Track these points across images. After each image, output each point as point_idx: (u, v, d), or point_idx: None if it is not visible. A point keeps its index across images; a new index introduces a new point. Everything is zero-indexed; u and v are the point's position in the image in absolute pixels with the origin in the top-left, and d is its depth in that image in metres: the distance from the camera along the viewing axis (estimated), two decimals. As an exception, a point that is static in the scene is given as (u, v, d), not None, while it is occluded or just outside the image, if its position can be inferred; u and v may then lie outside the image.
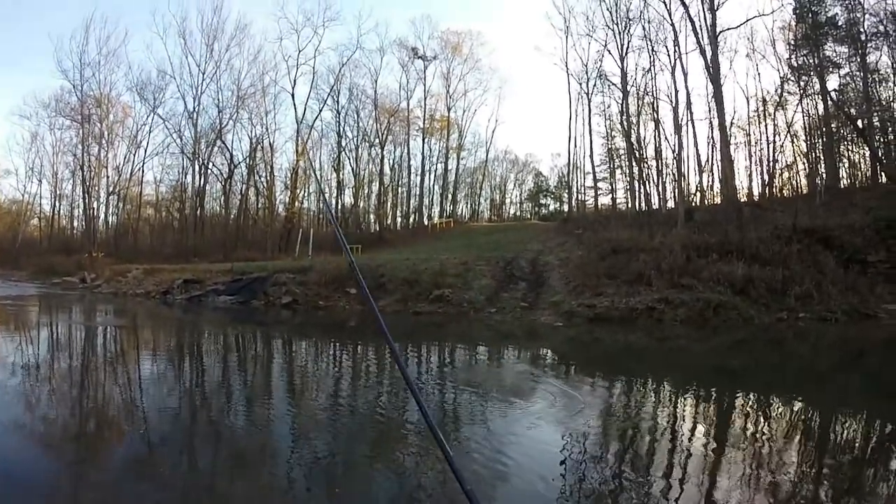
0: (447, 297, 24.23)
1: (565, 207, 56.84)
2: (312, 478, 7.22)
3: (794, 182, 44.18)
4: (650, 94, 41.59)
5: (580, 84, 47.12)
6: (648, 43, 40.37)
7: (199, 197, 58.91)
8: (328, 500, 6.70)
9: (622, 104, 41.83)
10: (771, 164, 42.95)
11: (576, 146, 50.06)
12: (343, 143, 58.72)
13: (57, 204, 68.65)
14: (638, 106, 42.46)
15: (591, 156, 48.26)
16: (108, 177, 61.58)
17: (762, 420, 8.90)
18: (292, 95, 55.75)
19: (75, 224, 68.02)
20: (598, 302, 19.92)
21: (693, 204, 38.23)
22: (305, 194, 60.43)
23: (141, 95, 60.68)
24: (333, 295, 28.31)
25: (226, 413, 11.00)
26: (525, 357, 14.21)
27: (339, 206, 58.18)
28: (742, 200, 33.57)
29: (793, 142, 42.33)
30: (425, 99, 60.19)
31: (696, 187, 42.47)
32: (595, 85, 45.57)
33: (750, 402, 10.08)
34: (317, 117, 56.88)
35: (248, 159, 58.55)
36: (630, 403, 9.94)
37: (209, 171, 59.33)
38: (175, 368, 15.40)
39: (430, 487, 6.66)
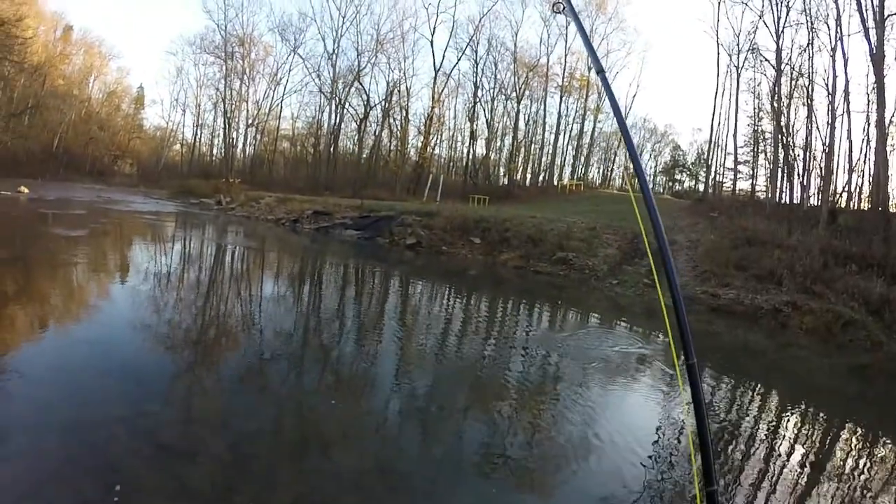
0: (570, 260, 23.68)
1: (701, 187, 53.84)
2: (406, 416, 7.31)
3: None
4: (805, 75, 37.66)
5: (730, 56, 44.09)
6: (808, 18, 35.74)
7: (334, 135, 60.53)
8: (418, 442, 6.74)
9: (774, 83, 38.18)
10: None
11: (719, 123, 46.98)
12: (479, 94, 57.73)
13: (198, 132, 72.65)
14: (790, 87, 38.40)
15: (735, 135, 44.71)
16: (247, 110, 64.87)
17: (863, 456, 7.90)
18: (431, 43, 55.82)
19: (214, 152, 71.73)
20: (723, 293, 18.81)
21: (838, 205, 34.71)
22: (438, 140, 60.91)
23: (282, 36, 63.30)
24: (457, 242, 28.39)
25: (337, 340, 11.25)
26: (637, 335, 13.56)
27: (471, 156, 58.14)
28: (894, 210, 29.81)
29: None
30: (566, 56, 58.27)
31: (844, 187, 38.32)
32: (746, 59, 41.97)
33: (857, 435, 8.98)
34: (454, 66, 56.79)
35: (383, 102, 59.28)
36: (731, 405, 9.25)
37: (345, 110, 60.78)
38: (295, 292, 15.92)
39: (516, 452, 6.53)
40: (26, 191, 32.59)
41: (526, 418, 7.60)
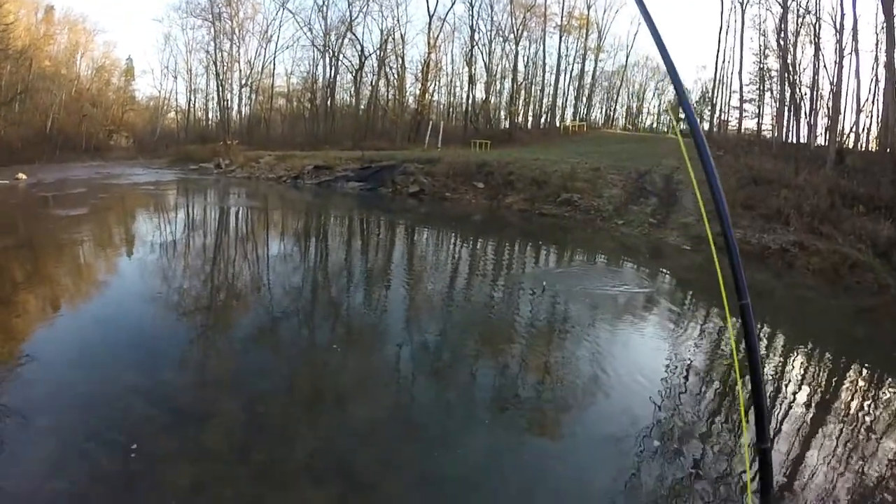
0: (575, 201, 23.49)
1: (706, 125, 52.87)
2: (417, 365, 7.45)
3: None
4: (812, 13, 36.41)
5: (734, -9, 42.53)
6: (815, -48, 35.03)
7: (330, 88, 59.67)
8: (430, 390, 6.88)
9: (780, 20, 37.04)
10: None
11: (724, 61, 45.90)
12: (476, 38, 55.92)
13: (192, 97, 71.34)
14: (797, 25, 37.13)
15: (741, 73, 43.53)
16: (240, 70, 63.62)
17: (868, 399, 7.68)
18: (424, -14, 54.58)
19: (210, 116, 70.69)
20: None
21: (846, 145, 33.81)
22: (436, 87, 60.21)
23: (270, -10, 61.91)
24: (460, 188, 28.33)
25: (345, 294, 11.40)
26: (643, 275, 13.51)
27: (471, 101, 57.40)
28: (902, 152, 28.73)
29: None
30: None
31: (852, 128, 37.30)
32: (751, -6, 41.04)
33: (863, 377, 8.84)
34: (449, 10, 55.49)
35: (378, 51, 57.65)
36: (737, 346, 9.18)
37: (339, 62, 59.42)
38: (301, 248, 16.07)
39: (526, 394, 6.68)
40: (24, 177, 32.57)
41: (536, 361, 7.75)
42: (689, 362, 7.88)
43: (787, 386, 7.60)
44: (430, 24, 53.76)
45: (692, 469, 5.19)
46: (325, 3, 56.84)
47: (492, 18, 55.47)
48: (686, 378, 7.30)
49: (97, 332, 8.48)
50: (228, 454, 5.23)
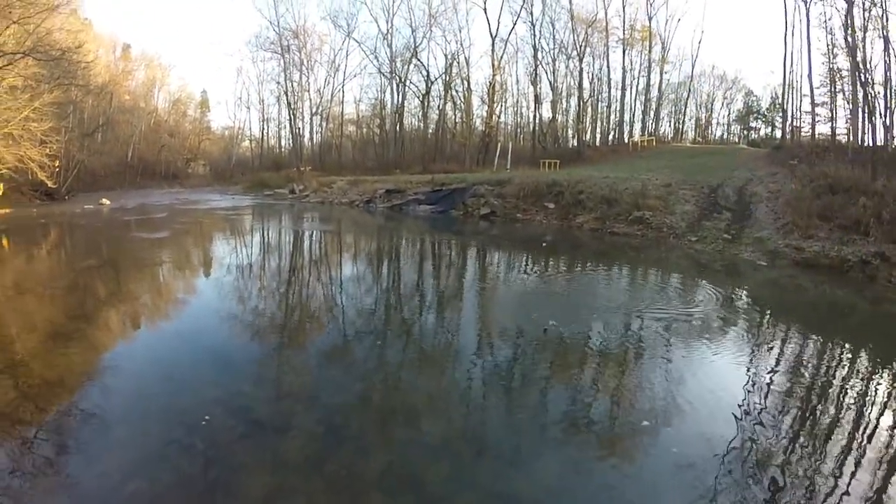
0: (647, 219, 23.06)
1: (778, 133, 50.85)
2: (490, 385, 7.38)
3: None
4: (879, 5, 34.59)
5: (796, -11, 41.09)
6: (878, -62, 33.31)
7: (398, 113, 60.52)
8: (502, 410, 6.80)
9: (846, 15, 35.47)
10: None
11: (792, 64, 44.18)
12: (539, 56, 55.58)
13: (265, 126, 74.32)
14: (864, 19, 35.54)
15: (810, 76, 41.57)
16: (310, 99, 65.22)
17: None
18: (484, 10, 54.55)
19: (282, 143, 73.19)
20: (807, 245, 17.73)
21: None
22: (502, 108, 60.38)
23: (335, 23, 63.51)
24: (531, 209, 28.26)
25: (417, 315, 11.45)
26: (720, 295, 13.00)
27: (538, 120, 57.26)
28: None
29: None
30: (624, 7, 55.89)
31: None
32: (814, -10, 39.55)
33: None
34: (511, 31, 55.72)
35: (444, 75, 58.30)
36: (818, 369, 8.48)
37: (406, 88, 60.28)
38: (374, 270, 16.26)
39: (597, 419, 6.52)
40: (108, 202, 34.31)
41: (607, 383, 7.58)
42: (767, 385, 7.55)
43: (870, 412, 7.03)
44: (493, 46, 53.99)
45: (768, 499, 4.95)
46: (390, 31, 57.97)
47: (553, 37, 55.31)
48: (765, 401, 6.99)
49: (178, 346, 8.86)
50: (303, 464, 5.32)
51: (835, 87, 40.96)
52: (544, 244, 20.60)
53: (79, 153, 40.19)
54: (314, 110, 64.96)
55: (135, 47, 64.67)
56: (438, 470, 5.37)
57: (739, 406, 6.75)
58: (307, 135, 66.54)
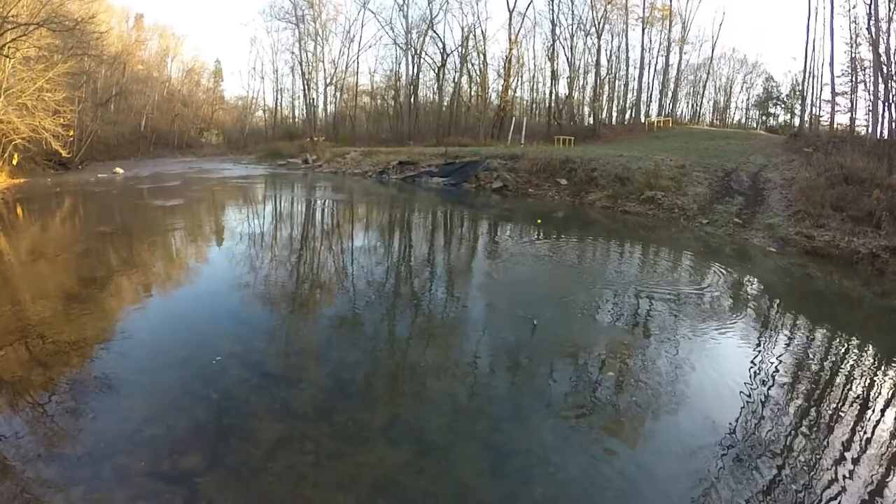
0: (659, 199, 23.02)
1: (796, 121, 50.11)
2: (496, 362, 7.51)
3: None
4: None
5: (821, -27, 40.32)
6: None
7: (413, 85, 60.37)
8: (508, 374, 7.08)
9: (870, 5, 34.75)
10: None
11: (813, 51, 43.25)
12: (557, 32, 54.96)
13: (278, 96, 74.07)
14: (889, 10, 34.89)
15: (832, 64, 40.91)
16: (324, 70, 65.35)
17: None
18: (503, -19, 54.62)
19: (296, 113, 73.40)
20: (817, 234, 17.67)
21: None
22: (518, 83, 60.15)
23: (350, -8, 63.63)
24: (544, 184, 28.37)
25: (427, 283, 11.74)
26: (729, 280, 13.05)
27: (554, 96, 57.00)
28: None
29: None
30: None
31: None
32: (839, -23, 38.72)
33: None
34: (529, 5, 55.62)
35: (460, 48, 57.97)
36: (825, 360, 8.50)
37: (422, 60, 60.08)
38: (385, 240, 16.56)
39: (598, 391, 6.72)
40: (121, 171, 34.67)
41: (614, 362, 7.74)
42: (773, 373, 7.65)
43: (875, 405, 7.06)
44: (510, 19, 53.67)
45: (768, 486, 5.10)
46: (406, 2, 57.59)
47: (572, 12, 54.64)
48: (769, 390, 7.09)
49: (194, 307, 9.31)
50: (313, 414, 5.70)
51: (856, 78, 40.21)
52: (536, 222, 20.73)
53: (92, 123, 40.57)
54: (328, 81, 65.01)
55: (148, 17, 65.25)
56: (440, 423, 5.72)
57: (742, 391, 6.93)
58: (321, 105, 66.67)
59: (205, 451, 5.03)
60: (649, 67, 58.00)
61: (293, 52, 64.78)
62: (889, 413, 6.78)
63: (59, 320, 8.25)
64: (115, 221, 17.76)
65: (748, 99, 71.21)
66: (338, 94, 66.58)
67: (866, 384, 7.63)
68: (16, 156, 27.88)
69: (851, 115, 40.53)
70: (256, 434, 5.28)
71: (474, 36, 56.65)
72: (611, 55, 57.10)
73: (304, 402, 5.90)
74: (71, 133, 31.22)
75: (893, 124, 31.90)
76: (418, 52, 58.55)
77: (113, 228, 16.26)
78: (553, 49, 54.74)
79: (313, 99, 64.95)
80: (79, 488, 4.48)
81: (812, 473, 5.33)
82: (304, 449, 5.12)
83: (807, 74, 43.63)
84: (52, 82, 26.53)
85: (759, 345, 8.85)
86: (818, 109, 45.02)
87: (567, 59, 55.97)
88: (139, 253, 13.39)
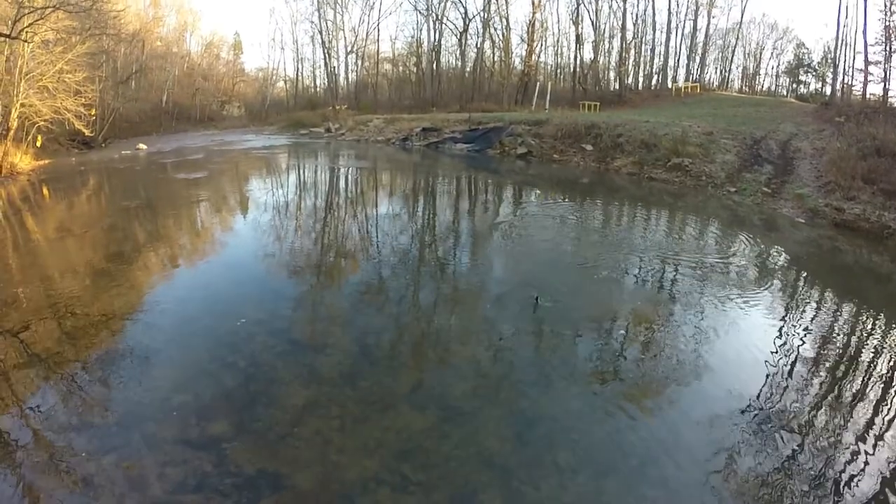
0: (686, 166, 22.73)
1: (828, 90, 48.62)
2: (520, 329, 7.48)
3: None
4: None
5: (855, -64, 38.65)
6: None
7: (435, 51, 59.74)
8: (531, 354, 6.91)
9: None
10: None
11: (846, 17, 42.06)
12: None
13: (299, 66, 74.25)
14: None
15: (865, 32, 39.65)
16: (345, 38, 64.78)
17: None
18: (544, -56, 53.45)
19: (317, 83, 72.94)
20: (847, 206, 17.24)
21: None
22: (542, 48, 59.40)
23: (369, -42, 62.82)
24: (568, 150, 28.16)
25: (451, 254, 11.77)
26: (756, 250, 12.79)
27: (579, 61, 56.16)
28: None
29: None
30: None
31: None
32: (873, -62, 37.04)
33: None
34: (553, -34, 54.41)
35: (482, 13, 57.20)
36: (850, 335, 8.30)
37: (443, 26, 59.22)
38: (410, 207, 16.63)
39: (623, 360, 6.70)
40: (144, 147, 34.97)
41: (640, 330, 7.76)
42: (798, 346, 7.55)
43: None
44: (534, -21, 52.88)
45: (788, 460, 5.07)
46: (427, -35, 56.96)
47: (597, -28, 53.72)
48: (793, 363, 7.02)
49: (220, 276, 9.49)
50: (338, 379, 5.80)
51: (890, 46, 38.62)
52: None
53: (114, 101, 40.85)
54: (349, 49, 64.70)
55: (164, -7, 64.98)
56: (464, 388, 5.78)
57: (768, 362, 6.89)
58: (342, 74, 66.39)
59: (232, 417, 5.14)
60: (676, 31, 56.70)
61: (312, 22, 64.48)
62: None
63: (88, 294, 8.42)
64: (139, 196, 17.95)
65: (778, 66, 68.99)
66: (359, 63, 66.30)
67: (892, 362, 7.47)
68: (39, 137, 28.17)
69: (885, 85, 38.96)
70: (283, 400, 5.39)
71: (496, 0, 55.90)
72: (637, 19, 55.83)
73: (329, 368, 5.99)
74: (93, 112, 31.45)
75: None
76: (439, 17, 57.91)
77: (138, 203, 16.45)
78: (577, 12, 53.74)
79: (334, 68, 64.71)
80: (110, 456, 4.61)
81: (834, 448, 5.30)
82: (330, 414, 5.21)
83: (839, 42, 42.16)
84: (71, 63, 26.67)
85: (784, 317, 8.77)
86: (850, 78, 43.37)
87: (592, 22, 54.88)
88: (164, 226, 13.56)
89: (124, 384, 5.70)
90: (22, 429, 5.03)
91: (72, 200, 17.69)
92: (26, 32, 22.92)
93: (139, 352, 6.32)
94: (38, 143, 28.14)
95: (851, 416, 5.89)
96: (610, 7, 55.07)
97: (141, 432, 4.90)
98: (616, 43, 56.36)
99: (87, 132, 30.59)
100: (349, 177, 22.96)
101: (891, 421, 5.90)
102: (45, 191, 19.83)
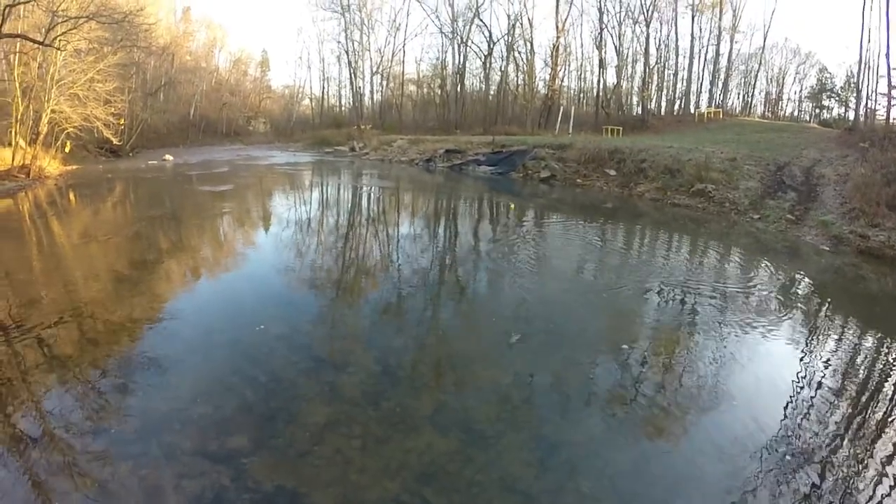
0: (709, 192, 22.54)
1: (851, 114, 48.27)
2: (542, 352, 7.36)
3: None
4: None
5: (875, -41, 38.35)
6: None
7: (459, 74, 60.19)
8: (554, 379, 6.73)
9: None
10: None
11: (869, 41, 41.51)
12: (605, 20, 54.08)
13: (325, 85, 74.71)
14: None
15: (888, 55, 39.17)
16: (370, 59, 65.77)
17: None
18: (550, -31, 53.82)
19: (342, 102, 73.96)
20: (872, 233, 16.94)
21: None
22: (566, 72, 59.55)
23: (396, -19, 63.81)
24: (592, 174, 28.04)
25: (471, 275, 11.64)
26: (779, 278, 12.57)
27: (602, 86, 56.20)
28: None
29: None
30: None
31: None
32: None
33: None
34: (576, -9, 54.64)
35: (506, 36, 57.66)
36: (873, 365, 7.98)
37: (468, 48, 59.83)
38: (431, 229, 16.53)
39: (643, 388, 6.53)
40: (171, 158, 35.50)
41: (658, 360, 7.54)
42: (820, 377, 7.30)
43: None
44: (557, 7, 53.04)
45: (811, 494, 4.89)
46: (452, -11, 57.39)
47: (620, 0, 53.90)
48: (816, 392, 6.80)
49: (242, 289, 9.41)
50: (360, 399, 5.68)
51: None
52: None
53: (142, 112, 41.50)
54: (374, 70, 65.32)
55: (195, 9, 66.15)
56: (487, 412, 5.64)
57: (791, 393, 6.71)
58: (367, 94, 67.04)
59: (252, 431, 5.03)
60: (699, 57, 56.49)
61: (339, 42, 65.22)
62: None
63: (111, 301, 8.40)
64: (164, 206, 18.06)
65: (801, 90, 68.61)
66: (384, 83, 66.93)
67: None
68: (68, 143, 28.58)
69: (909, 109, 38.53)
70: (304, 417, 5.28)
71: (521, 24, 56.14)
72: (660, 44, 55.81)
73: (352, 387, 5.88)
74: (121, 122, 31.93)
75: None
76: (464, 40, 58.34)
77: (163, 213, 16.56)
78: (601, 37, 53.82)
79: (359, 87, 65.31)
80: (127, 463, 4.53)
81: (854, 483, 5.10)
82: (351, 433, 5.08)
83: (862, 65, 41.61)
84: (102, 73, 27.11)
85: (807, 346, 8.52)
86: (874, 103, 42.90)
87: (615, 47, 54.95)
88: (188, 237, 13.60)
89: (143, 392, 5.64)
90: (39, 430, 4.98)
91: (97, 207, 17.83)
92: (59, 41, 23.29)
93: (159, 360, 6.26)
94: (67, 149, 28.54)
95: (874, 453, 5.66)
96: (633, 32, 55.07)
97: (159, 441, 4.82)
98: (639, 68, 56.30)
99: (115, 141, 31.09)
100: (372, 196, 23.00)
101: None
102: (71, 196, 20.01)
